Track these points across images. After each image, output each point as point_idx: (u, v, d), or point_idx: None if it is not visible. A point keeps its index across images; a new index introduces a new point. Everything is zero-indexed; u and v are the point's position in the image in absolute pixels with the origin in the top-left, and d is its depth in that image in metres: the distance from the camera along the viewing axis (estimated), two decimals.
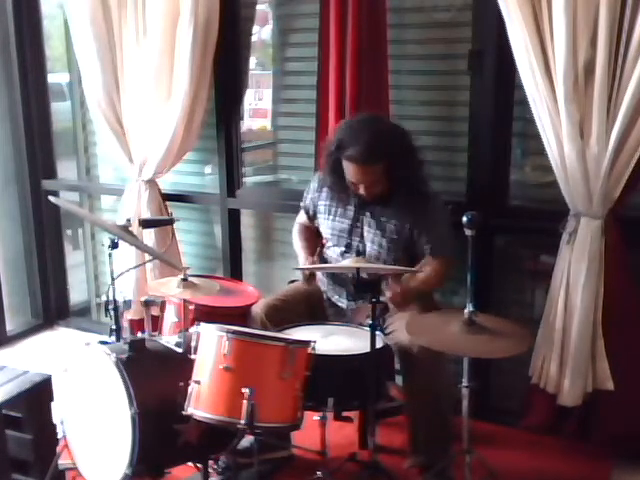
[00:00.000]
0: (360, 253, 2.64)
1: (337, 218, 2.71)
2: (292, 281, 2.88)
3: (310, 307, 2.71)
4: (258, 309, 2.58)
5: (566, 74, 2.40)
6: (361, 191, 2.56)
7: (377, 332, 2.24)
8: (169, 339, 2.31)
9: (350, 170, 2.53)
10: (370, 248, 2.63)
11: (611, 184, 2.49)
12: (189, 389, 2.05)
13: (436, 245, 2.59)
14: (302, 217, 2.92)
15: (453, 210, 2.65)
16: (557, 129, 2.49)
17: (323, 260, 2.77)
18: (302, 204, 2.88)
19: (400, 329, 2.36)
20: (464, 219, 2.07)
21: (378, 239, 2.62)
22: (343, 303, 2.70)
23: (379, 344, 2.25)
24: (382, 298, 2.32)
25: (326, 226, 2.74)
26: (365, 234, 2.65)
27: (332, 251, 2.72)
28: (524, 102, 2.60)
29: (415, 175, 2.57)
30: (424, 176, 2.63)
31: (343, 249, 2.67)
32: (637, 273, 2.59)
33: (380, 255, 2.62)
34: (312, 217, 2.86)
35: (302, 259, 2.78)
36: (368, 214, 2.64)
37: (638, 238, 2.61)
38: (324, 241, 2.81)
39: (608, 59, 2.36)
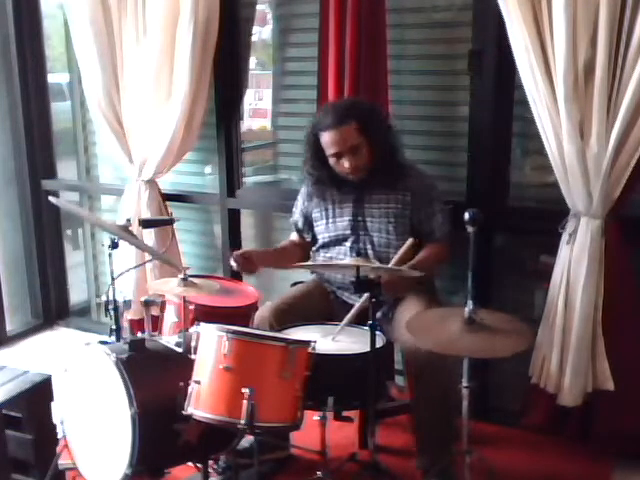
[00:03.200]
0: (365, 249, 2.63)
1: (337, 219, 2.70)
2: (295, 283, 2.88)
3: (318, 308, 2.67)
4: (266, 313, 2.55)
5: (566, 74, 2.40)
6: (346, 165, 2.55)
7: (377, 332, 2.23)
8: (169, 339, 2.31)
9: (328, 140, 2.54)
10: (378, 237, 2.62)
11: (611, 184, 2.49)
12: (189, 389, 2.05)
13: (436, 225, 2.60)
14: (293, 235, 2.90)
15: (453, 210, 2.65)
16: (557, 129, 2.49)
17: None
18: (291, 220, 2.88)
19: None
20: (466, 216, 2.06)
21: (384, 226, 2.61)
22: (355, 300, 2.65)
23: (379, 344, 2.25)
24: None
25: (326, 230, 2.73)
26: (369, 225, 2.63)
27: (335, 251, 2.70)
28: (524, 102, 2.60)
29: (392, 140, 2.61)
30: (400, 145, 2.66)
31: (349, 245, 2.65)
32: (637, 273, 2.59)
33: (390, 242, 2.61)
34: (304, 230, 2.84)
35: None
36: (367, 205, 2.64)
37: (638, 238, 2.61)
38: (320, 245, 2.77)
39: (608, 59, 2.36)
